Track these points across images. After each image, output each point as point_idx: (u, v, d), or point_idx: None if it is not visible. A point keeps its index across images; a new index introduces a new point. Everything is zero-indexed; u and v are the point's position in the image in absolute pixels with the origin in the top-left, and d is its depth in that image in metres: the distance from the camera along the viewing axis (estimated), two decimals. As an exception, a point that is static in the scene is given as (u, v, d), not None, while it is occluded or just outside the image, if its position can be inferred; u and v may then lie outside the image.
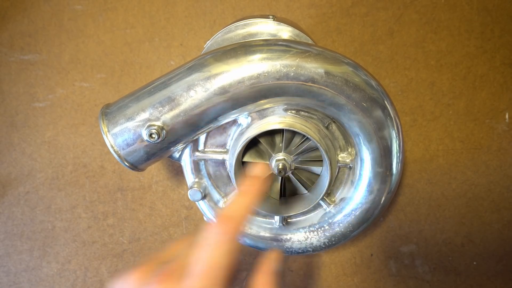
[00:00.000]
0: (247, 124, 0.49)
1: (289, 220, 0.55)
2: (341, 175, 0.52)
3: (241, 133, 0.49)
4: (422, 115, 0.66)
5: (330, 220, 0.53)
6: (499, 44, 0.65)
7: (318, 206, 0.54)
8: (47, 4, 0.71)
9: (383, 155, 0.47)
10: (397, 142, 0.47)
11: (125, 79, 0.71)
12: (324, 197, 0.51)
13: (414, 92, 0.66)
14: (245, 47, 0.44)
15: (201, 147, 0.51)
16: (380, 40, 0.67)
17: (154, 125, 0.44)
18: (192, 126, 0.45)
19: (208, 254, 0.32)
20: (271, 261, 0.38)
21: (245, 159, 0.51)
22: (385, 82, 0.67)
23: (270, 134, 0.51)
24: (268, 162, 0.51)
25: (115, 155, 0.46)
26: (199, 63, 0.44)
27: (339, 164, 0.51)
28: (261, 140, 0.50)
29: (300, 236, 0.55)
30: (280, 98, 0.45)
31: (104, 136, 0.46)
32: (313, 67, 0.43)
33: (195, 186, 0.52)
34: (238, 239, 0.34)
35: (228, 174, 0.53)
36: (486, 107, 0.66)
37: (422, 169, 0.67)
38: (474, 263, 0.67)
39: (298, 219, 0.55)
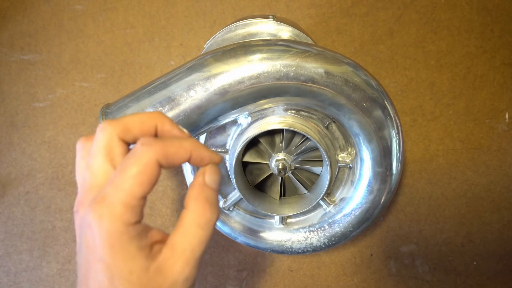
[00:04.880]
0: (247, 124, 0.49)
1: (289, 220, 0.55)
2: (341, 175, 0.52)
3: (241, 133, 0.49)
4: (422, 115, 0.66)
5: (330, 220, 0.53)
6: (499, 44, 0.65)
7: (318, 206, 0.54)
8: (47, 4, 0.71)
9: (383, 155, 0.47)
10: (397, 142, 0.47)
11: (125, 79, 0.71)
12: (324, 197, 0.51)
13: (414, 92, 0.66)
14: (245, 47, 0.44)
15: (201, 147, 0.51)
16: (380, 40, 0.67)
17: (154, 125, 0.44)
18: (192, 126, 0.45)
19: (130, 176, 0.28)
20: (203, 173, 0.33)
21: (245, 159, 0.51)
22: (385, 82, 0.67)
23: (270, 134, 0.51)
24: (268, 162, 0.51)
25: (115, 155, 0.46)
26: (199, 63, 0.44)
27: (339, 164, 0.51)
28: (261, 140, 0.50)
29: (300, 236, 0.55)
30: (280, 98, 0.45)
31: (104, 136, 0.45)
32: (313, 67, 0.43)
33: (195, 186, 0.52)
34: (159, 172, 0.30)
35: (228, 174, 0.53)
36: (486, 107, 0.66)
37: (422, 169, 0.67)
38: (474, 263, 0.67)
39: (298, 219, 0.55)
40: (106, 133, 0.31)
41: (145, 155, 0.29)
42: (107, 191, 0.28)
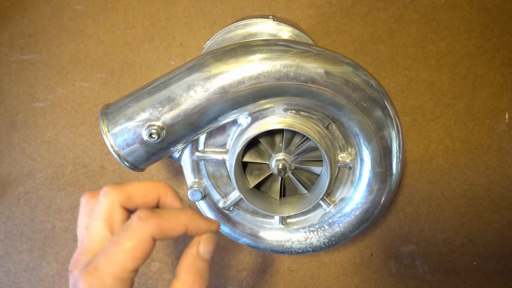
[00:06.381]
0: (247, 124, 0.49)
1: (289, 220, 0.55)
2: (341, 175, 0.52)
3: (241, 133, 0.49)
4: (422, 115, 0.66)
5: (330, 220, 0.53)
6: (499, 44, 0.65)
7: (318, 206, 0.54)
8: (47, 4, 0.71)
9: (383, 155, 0.47)
10: (397, 142, 0.47)
11: (125, 79, 0.71)
12: (324, 197, 0.51)
13: (414, 92, 0.66)
14: (245, 47, 0.44)
15: (201, 147, 0.51)
16: (380, 40, 0.67)
17: (154, 125, 0.44)
18: (192, 126, 0.45)
19: (125, 249, 0.29)
20: (197, 244, 0.34)
21: (245, 159, 0.51)
22: (385, 82, 0.67)
23: (270, 134, 0.51)
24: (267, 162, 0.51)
25: (115, 155, 0.46)
26: (199, 63, 0.44)
27: (339, 164, 0.51)
28: (261, 140, 0.50)
29: (300, 236, 0.55)
30: (280, 98, 0.45)
31: (104, 136, 0.46)
32: (313, 67, 0.43)
33: (195, 186, 0.52)
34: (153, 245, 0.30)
35: (228, 174, 0.53)
36: (486, 107, 0.66)
37: (422, 169, 0.67)
38: (474, 263, 0.67)
39: (298, 219, 0.55)
40: (109, 199, 0.32)
41: (141, 230, 0.30)
42: (99, 261, 0.29)
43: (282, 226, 0.55)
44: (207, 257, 0.34)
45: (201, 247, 0.34)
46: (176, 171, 0.70)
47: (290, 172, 0.51)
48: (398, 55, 0.66)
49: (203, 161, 0.52)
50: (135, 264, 0.29)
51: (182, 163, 0.53)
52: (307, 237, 0.55)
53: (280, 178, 0.53)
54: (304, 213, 0.55)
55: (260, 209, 0.51)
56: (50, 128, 0.72)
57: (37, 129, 0.72)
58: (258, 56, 0.43)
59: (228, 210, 0.54)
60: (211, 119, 0.45)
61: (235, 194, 0.53)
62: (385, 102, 0.46)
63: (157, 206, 0.35)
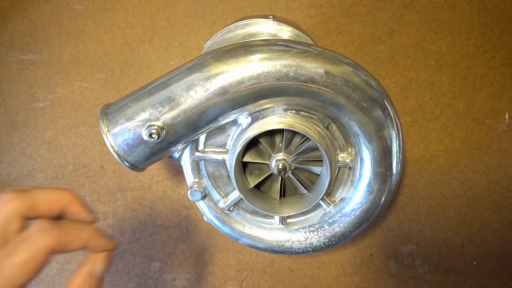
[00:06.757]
0: (247, 124, 0.49)
1: (289, 220, 0.55)
2: (341, 175, 0.52)
3: (241, 133, 0.49)
4: (422, 115, 0.66)
5: (330, 220, 0.53)
6: (499, 44, 0.65)
7: (318, 206, 0.54)
8: (47, 4, 0.71)
9: (383, 155, 0.47)
10: (397, 142, 0.47)
11: (125, 79, 0.71)
12: (324, 197, 0.51)
13: (414, 92, 0.66)
14: (245, 47, 0.44)
15: (201, 147, 0.51)
16: (380, 40, 0.67)
17: (154, 125, 0.44)
18: (192, 126, 0.45)
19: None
20: (93, 262, 0.33)
21: (245, 159, 0.51)
22: (385, 82, 0.67)
23: (270, 134, 0.51)
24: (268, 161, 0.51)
25: (115, 155, 0.46)
26: (199, 63, 0.44)
27: (339, 164, 0.51)
28: (261, 140, 0.50)
29: (300, 236, 0.55)
30: (280, 98, 0.45)
31: (104, 136, 0.46)
32: (313, 67, 0.43)
33: (195, 186, 0.52)
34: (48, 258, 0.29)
35: (228, 174, 0.53)
36: (486, 107, 0.66)
37: (422, 169, 0.67)
38: (474, 263, 0.67)
39: (298, 219, 0.55)
40: (9, 207, 0.30)
41: (39, 243, 0.28)
42: None
43: (282, 226, 0.55)
44: (100, 277, 0.33)
45: (96, 266, 0.33)
46: (176, 171, 0.71)
47: (290, 172, 0.51)
48: (398, 55, 0.66)
49: (203, 161, 0.52)
50: (27, 278, 0.28)
51: (182, 163, 0.53)
52: (307, 237, 0.55)
53: (280, 178, 0.53)
54: (304, 213, 0.55)
55: (260, 209, 0.51)
56: (50, 128, 0.72)
57: (37, 129, 0.72)
58: (258, 56, 0.43)
59: (228, 210, 0.54)
60: (211, 119, 0.45)
61: (235, 194, 0.53)
62: (385, 102, 0.46)
63: (60, 217, 0.33)
